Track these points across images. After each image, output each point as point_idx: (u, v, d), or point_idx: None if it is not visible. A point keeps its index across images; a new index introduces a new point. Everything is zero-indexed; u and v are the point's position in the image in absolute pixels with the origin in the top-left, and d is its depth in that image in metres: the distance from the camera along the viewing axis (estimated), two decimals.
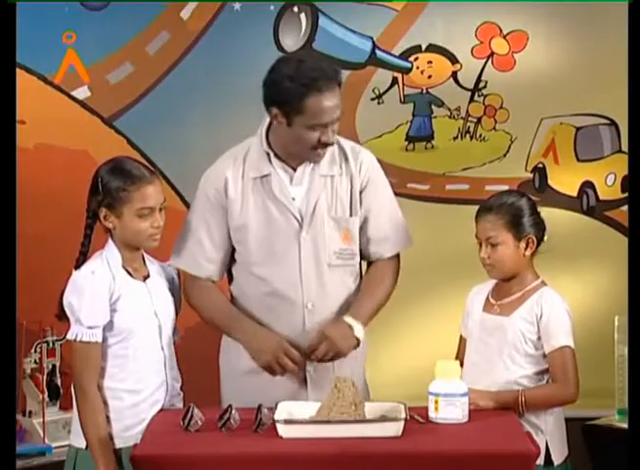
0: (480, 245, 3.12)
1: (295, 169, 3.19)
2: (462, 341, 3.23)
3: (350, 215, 3.21)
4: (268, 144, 3.18)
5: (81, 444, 2.95)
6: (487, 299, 3.18)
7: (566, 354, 3.04)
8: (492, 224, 3.09)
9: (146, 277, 3.05)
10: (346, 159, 3.23)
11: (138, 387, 2.96)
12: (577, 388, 3.04)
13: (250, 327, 3.17)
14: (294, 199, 3.18)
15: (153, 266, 3.10)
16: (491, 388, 3.03)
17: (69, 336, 2.94)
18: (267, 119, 3.17)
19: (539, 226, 3.13)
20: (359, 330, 3.13)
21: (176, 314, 3.13)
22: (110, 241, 3.01)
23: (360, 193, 3.22)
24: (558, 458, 3.07)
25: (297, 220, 3.17)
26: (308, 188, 3.18)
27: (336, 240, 3.19)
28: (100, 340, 2.91)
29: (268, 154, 3.18)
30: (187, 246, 3.22)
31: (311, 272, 3.17)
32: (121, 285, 2.96)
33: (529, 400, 3.00)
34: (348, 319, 3.14)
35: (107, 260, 2.98)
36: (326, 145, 3.11)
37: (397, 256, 3.31)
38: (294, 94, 3.04)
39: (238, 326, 3.19)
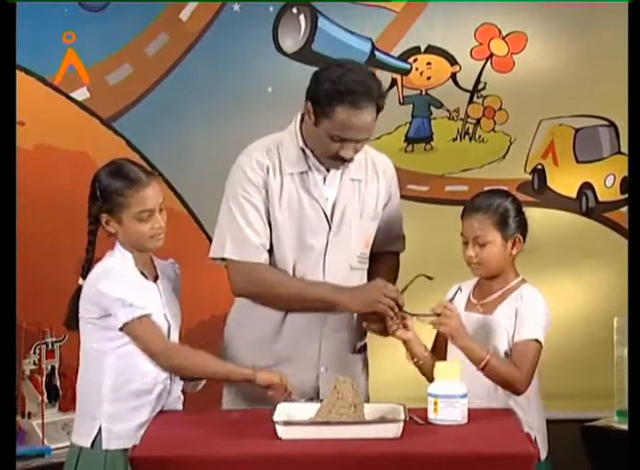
0: (465, 243, 3.13)
1: (328, 170, 3.18)
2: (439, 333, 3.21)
3: (372, 220, 3.25)
4: (303, 141, 3.15)
5: (86, 442, 2.94)
6: (469, 298, 3.19)
7: (529, 347, 3.03)
8: (480, 223, 3.10)
9: (156, 278, 3.05)
10: (374, 163, 3.25)
11: (144, 388, 2.95)
12: (529, 383, 3.02)
13: (343, 288, 3.13)
14: (327, 199, 3.18)
15: (158, 267, 3.10)
16: (476, 386, 3.02)
17: (123, 319, 2.87)
18: (299, 115, 3.16)
19: (524, 226, 3.15)
20: None
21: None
22: (117, 243, 3.00)
23: (385, 204, 3.26)
24: (543, 454, 3.06)
25: (328, 221, 3.17)
26: (339, 190, 3.19)
27: (360, 244, 3.22)
28: (150, 311, 2.90)
29: (304, 150, 3.16)
30: (238, 233, 3.13)
31: (335, 273, 3.17)
32: (137, 285, 2.96)
33: (491, 364, 2.99)
34: None
35: (124, 261, 2.98)
36: (343, 160, 3.10)
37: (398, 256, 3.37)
38: (328, 97, 3.02)
39: (332, 289, 3.12)
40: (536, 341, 3.04)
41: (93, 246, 3.02)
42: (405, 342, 3.13)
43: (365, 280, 3.27)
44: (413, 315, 3.10)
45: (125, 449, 2.89)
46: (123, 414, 2.93)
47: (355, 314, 3.21)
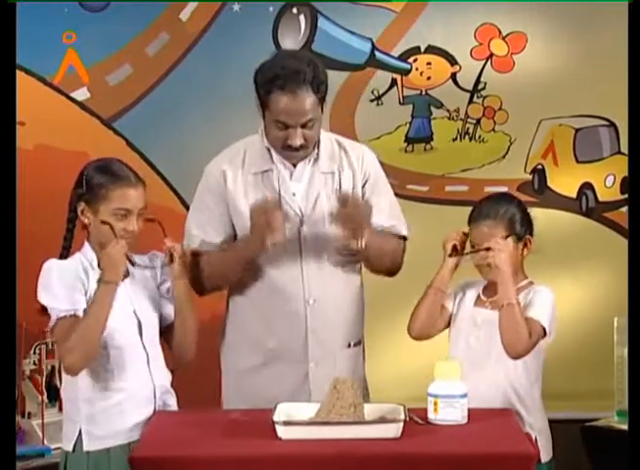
0: (474, 247, 3.14)
1: (295, 165, 3.18)
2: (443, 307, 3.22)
3: None
4: (269, 139, 3.16)
5: (67, 446, 2.94)
6: (478, 296, 3.20)
7: (534, 324, 3.03)
8: (491, 229, 3.11)
9: (125, 276, 3.02)
10: (347, 154, 3.23)
11: (121, 386, 2.94)
12: (527, 352, 3.03)
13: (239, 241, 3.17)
14: (294, 194, 3.18)
15: (136, 262, 3.05)
16: (482, 381, 3.03)
17: (50, 325, 2.91)
18: None
19: (531, 226, 3.18)
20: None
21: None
22: (85, 242, 3.01)
23: (362, 187, 3.23)
24: (545, 456, 3.07)
25: (298, 216, 3.17)
26: (308, 184, 3.19)
27: (337, 236, 3.19)
28: (80, 315, 2.87)
29: (269, 149, 3.17)
30: (191, 234, 3.22)
31: (313, 268, 3.17)
32: (74, 286, 2.93)
33: (514, 307, 3.01)
34: None
35: (81, 261, 2.98)
36: (292, 148, 3.09)
37: (403, 241, 3.32)
38: (261, 87, 3.07)
39: (234, 250, 3.16)
40: (541, 325, 3.04)
41: (71, 233, 3.04)
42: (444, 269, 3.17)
43: (354, 273, 3.25)
44: (465, 254, 3.14)
45: (108, 449, 2.89)
46: (102, 414, 2.92)
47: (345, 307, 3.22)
